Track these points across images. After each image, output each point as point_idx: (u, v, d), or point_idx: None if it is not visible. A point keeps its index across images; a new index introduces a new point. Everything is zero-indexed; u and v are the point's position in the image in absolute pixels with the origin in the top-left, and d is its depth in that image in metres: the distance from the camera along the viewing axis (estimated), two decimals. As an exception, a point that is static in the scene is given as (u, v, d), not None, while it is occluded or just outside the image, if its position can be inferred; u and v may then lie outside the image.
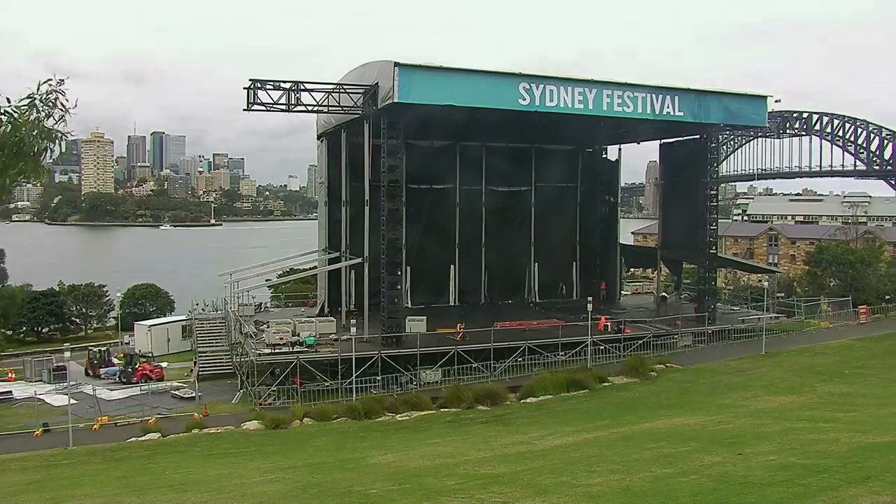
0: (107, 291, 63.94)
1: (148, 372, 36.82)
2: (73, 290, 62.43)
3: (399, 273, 34.23)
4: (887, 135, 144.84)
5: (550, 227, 48.56)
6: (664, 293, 46.44)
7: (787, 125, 43.86)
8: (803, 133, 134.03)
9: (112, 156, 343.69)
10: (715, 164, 42.47)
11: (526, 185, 46.08)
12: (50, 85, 6.22)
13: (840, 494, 8.21)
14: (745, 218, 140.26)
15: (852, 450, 12.33)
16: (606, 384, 31.31)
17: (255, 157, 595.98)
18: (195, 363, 38.08)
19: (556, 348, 34.80)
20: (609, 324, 37.41)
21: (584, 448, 17.54)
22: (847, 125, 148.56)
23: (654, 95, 35.35)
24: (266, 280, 42.49)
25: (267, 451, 21.45)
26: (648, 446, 15.88)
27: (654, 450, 15.05)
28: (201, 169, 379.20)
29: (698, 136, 40.51)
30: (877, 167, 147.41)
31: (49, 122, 6.18)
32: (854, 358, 35.37)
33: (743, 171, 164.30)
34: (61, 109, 6.23)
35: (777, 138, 40.68)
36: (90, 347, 42.89)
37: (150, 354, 40.80)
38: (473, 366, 33.05)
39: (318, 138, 42.78)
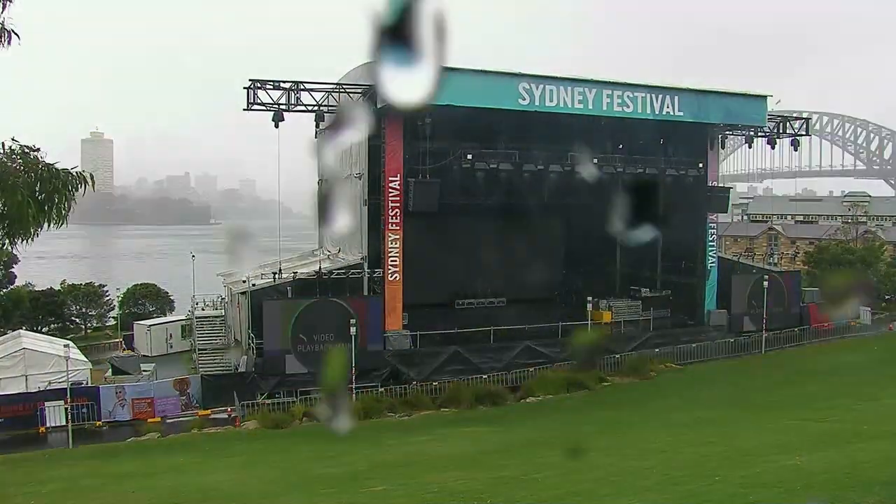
0: (107, 291, 63.87)
1: None
2: (73, 290, 62.35)
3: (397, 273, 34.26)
4: (887, 134, 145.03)
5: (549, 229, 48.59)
6: None
7: (787, 125, 43.68)
8: (803, 133, 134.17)
9: (111, 155, 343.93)
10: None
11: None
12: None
13: (842, 496, 8.20)
14: (745, 217, 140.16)
15: (849, 452, 12.30)
16: (607, 384, 31.32)
17: (255, 157, 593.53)
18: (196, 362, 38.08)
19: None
20: None
21: (585, 450, 17.52)
22: (847, 125, 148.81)
23: (653, 95, 35.32)
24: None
25: (265, 451, 21.45)
26: (648, 447, 15.88)
27: (657, 452, 15.05)
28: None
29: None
30: (876, 167, 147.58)
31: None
32: (855, 358, 35.31)
33: (743, 171, 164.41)
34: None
35: (777, 138, 40.38)
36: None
37: None
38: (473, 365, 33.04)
39: (317, 137, 42.66)
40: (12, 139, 6.87)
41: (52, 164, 6.96)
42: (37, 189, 6.76)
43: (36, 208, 6.73)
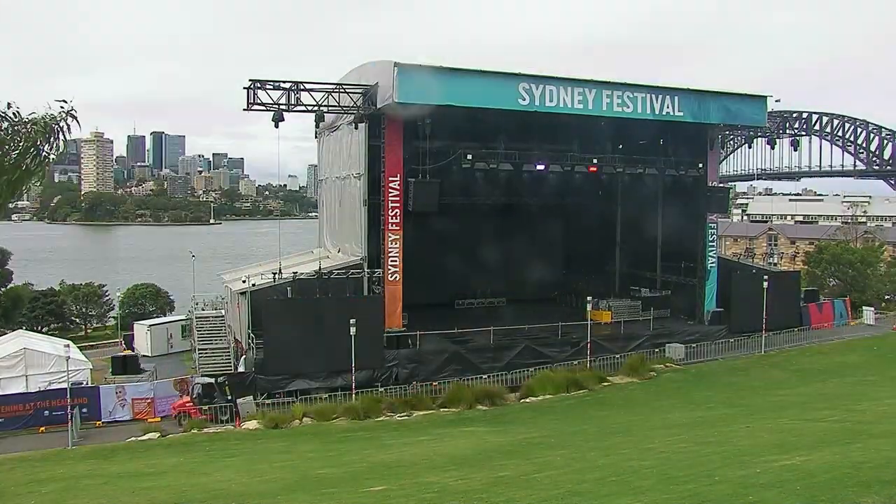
0: (107, 291, 64.02)
1: None
2: (74, 290, 62.50)
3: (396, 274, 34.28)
4: (887, 135, 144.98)
5: (548, 229, 48.80)
6: None
7: (787, 125, 43.72)
8: (803, 133, 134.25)
9: (112, 155, 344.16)
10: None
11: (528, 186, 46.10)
12: (60, 108, 6.66)
13: (842, 496, 8.21)
14: (745, 218, 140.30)
15: (849, 452, 12.30)
16: (606, 384, 31.32)
17: (255, 156, 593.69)
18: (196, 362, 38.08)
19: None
20: None
21: (585, 449, 17.54)
22: (847, 125, 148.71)
23: (653, 95, 35.31)
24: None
25: (266, 451, 21.45)
26: (648, 446, 15.90)
27: (657, 452, 15.05)
28: (200, 168, 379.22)
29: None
30: (876, 167, 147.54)
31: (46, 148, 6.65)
32: (855, 358, 35.33)
33: (743, 171, 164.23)
34: (59, 137, 6.70)
35: (777, 138, 40.52)
36: None
37: None
38: (473, 365, 33.09)
39: (317, 137, 42.73)
40: None
41: (36, 118, 6.66)
42: (21, 149, 6.52)
43: (21, 172, 6.52)
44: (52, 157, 6.75)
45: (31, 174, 6.70)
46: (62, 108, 6.80)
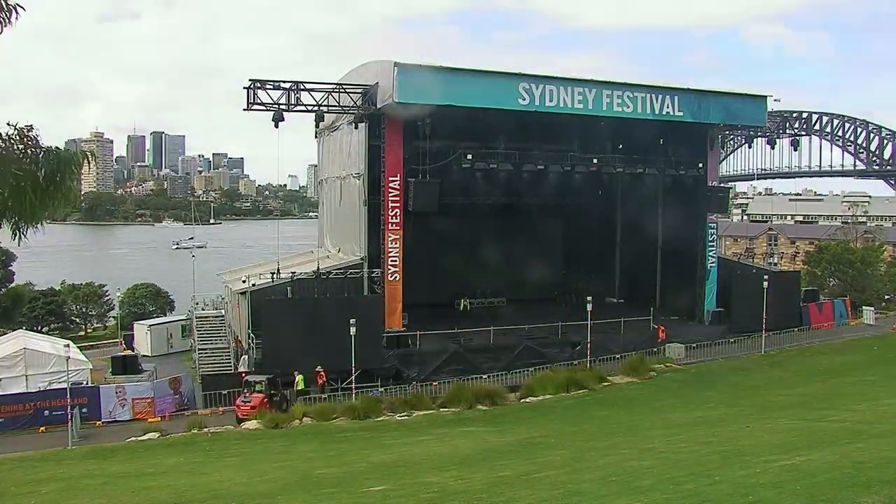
0: (107, 291, 64.01)
1: None
2: (74, 290, 62.52)
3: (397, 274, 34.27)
4: (887, 134, 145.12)
5: (549, 229, 48.81)
6: None
7: (787, 125, 43.77)
8: (803, 133, 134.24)
9: (112, 155, 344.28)
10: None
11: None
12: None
13: (842, 496, 8.20)
14: (745, 217, 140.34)
15: (849, 452, 12.29)
16: (606, 384, 31.30)
17: (255, 156, 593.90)
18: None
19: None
20: None
21: (585, 449, 17.54)
22: (847, 125, 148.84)
23: (653, 95, 35.33)
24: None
25: (266, 451, 21.46)
26: (647, 446, 15.88)
27: (656, 452, 15.04)
28: (200, 168, 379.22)
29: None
30: (876, 167, 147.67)
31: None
32: (855, 358, 35.31)
33: (743, 171, 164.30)
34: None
35: (777, 138, 40.58)
36: None
37: None
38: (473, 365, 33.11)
39: (317, 137, 42.74)
40: (7, 123, 6.64)
41: (52, 147, 6.75)
42: (39, 173, 6.55)
43: (40, 194, 6.55)
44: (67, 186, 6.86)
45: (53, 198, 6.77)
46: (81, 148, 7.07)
